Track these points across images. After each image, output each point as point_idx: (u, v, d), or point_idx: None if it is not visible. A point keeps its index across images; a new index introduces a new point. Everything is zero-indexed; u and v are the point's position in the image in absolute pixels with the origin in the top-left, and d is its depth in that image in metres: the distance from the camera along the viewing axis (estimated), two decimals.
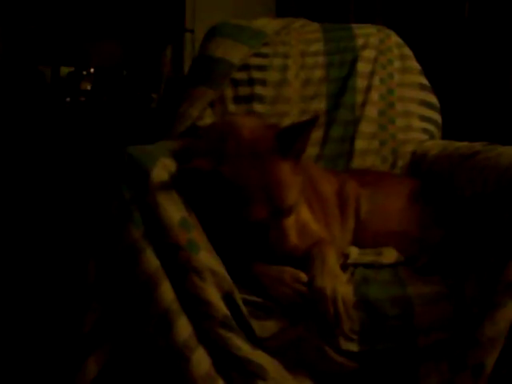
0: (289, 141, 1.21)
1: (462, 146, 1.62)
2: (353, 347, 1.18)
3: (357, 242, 1.49)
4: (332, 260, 1.24)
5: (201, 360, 1.13)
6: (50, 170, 2.56)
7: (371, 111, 1.91)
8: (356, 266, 1.34)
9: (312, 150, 1.84)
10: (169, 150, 1.30)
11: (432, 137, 1.94)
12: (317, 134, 1.86)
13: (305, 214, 1.39)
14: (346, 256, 1.38)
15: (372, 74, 1.95)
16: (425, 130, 1.93)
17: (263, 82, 1.90)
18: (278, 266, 1.23)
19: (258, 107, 1.86)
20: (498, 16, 2.35)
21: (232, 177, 1.17)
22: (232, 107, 1.86)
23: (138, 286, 1.14)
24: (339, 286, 1.17)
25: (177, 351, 1.12)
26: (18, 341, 1.83)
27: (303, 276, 1.21)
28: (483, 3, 2.41)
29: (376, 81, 1.94)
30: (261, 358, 1.17)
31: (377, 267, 1.34)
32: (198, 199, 1.21)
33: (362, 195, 1.55)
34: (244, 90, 1.88)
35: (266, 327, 1.19)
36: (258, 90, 1.89)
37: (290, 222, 1.21)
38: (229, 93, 1.87)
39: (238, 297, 1.18)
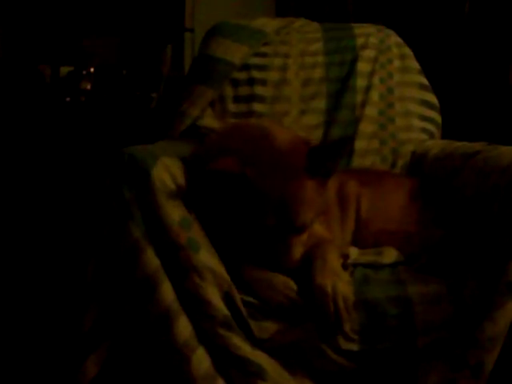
0: (319, 161, 1.20)
1: (462, 145, 1.62)
2: (353, 347, 1.18)
3: (357, 241, 1.49)
4: (333, 258, 1.24)
5: (201, 359, 1.13)
6: (50, 170, 2.56)
7: (371, 111, 1.90)
8: (355, 265, 1.34)
9: None
10: (180, 156, 1.29)
11: (432, 136, 1.94)
12: (317, 134, 1.86)
13: None
14: (345, 256, 1.38)
15: (372, 73, 1.95)
16: (425, 130, 1.93)
17: (263, 82, 1.90)
18: (270, 271, 1.22)
19: (257, 107, 1.86)
20: (497, 16, 2.35)
21: (256, 182, 1.16)
22: (232, 107, 1.86)
23: (139, 285, 1.14)
24: (340, 283, 1.17)
25: (177, 351, 1.12)
26: (18, 341, 1.83)
27: (293, 284, 1.21)
28: (483, 3, 2.41)
29: (376, 80, 1.94)
30: (260, 358, 1.17)
31: (376, 267, 1.33)
32: (210, 196, 1.20)
33: (362, 194, 1.55)
34: (244, 90, 1.88)
35: (264, 328, 1.19)
36: (258, 89, 1.88)
37: (300, 240, 1.22)
38: (229, 92, 1.87)
39: (238, 297, 1.19)
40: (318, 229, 1.38)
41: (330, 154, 1.22)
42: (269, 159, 1.18)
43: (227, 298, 1.17)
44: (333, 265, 1.22)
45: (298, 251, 1.21)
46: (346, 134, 1.87)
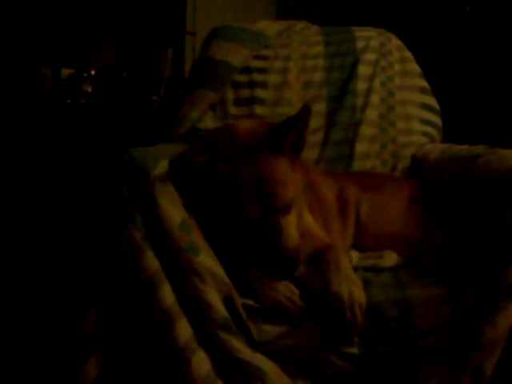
0: (282, 135, 1.22)
1: (463, 149, 1.63)
2: (353, 350, 1.18)
3: (357, 244, 1.49)
4: (346, 264, 1.24)
5: (201, 362, 1.13)
6: (51, 172, 2.56)
7: (371, 114, 1.91)
8: (356, 269, 1.34)
9: (312, 153, 1.84)
10: (172, 154, 1.30)
11: (432, 140, 1.95)
12: (317, 137, 1.87)
13: (307, 218, 1.39)
14: None
15: (372, 76, 1.95)
16: (425, 133, 1.94)
17: (264, 85, 1.90)
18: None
19: (258, 110, 1.87)
20: (498, 19, 2.36)
21: (226, 172, 1.18)
22: (233, 109, 1.86)
23: (139, 287, 1.14)
24: (355, 290, 1.17)
25: (177, 353, 1.12)
26: (19, 342, 1.83)
27: (294, 287, 1.21)
28: (484, 6, 2.41)
29: (376, 84, 1.95)
30: (260, 360, 1.17)
31: (377, 270, 1.33)
32: (193, 195, 1.22)
33: (362, 198, 1.55)
34: (245, 93, 1.88)
35: (263, 331, 1.19)
36: (259, 92, 1.89)
37: (289, 220, 1.22)
38: (230, 95, 1.87)
39: (238, 300, 1.19)
40: (320, 234, 1.38)
41: (290, 127, 1.22)
42: (234, 149, 1.21)
43: (227, 301, 1.17)
44: (347, 271, 1.22)
45: (291, 232, 1.21)
46: (347, 138, 1.87)
